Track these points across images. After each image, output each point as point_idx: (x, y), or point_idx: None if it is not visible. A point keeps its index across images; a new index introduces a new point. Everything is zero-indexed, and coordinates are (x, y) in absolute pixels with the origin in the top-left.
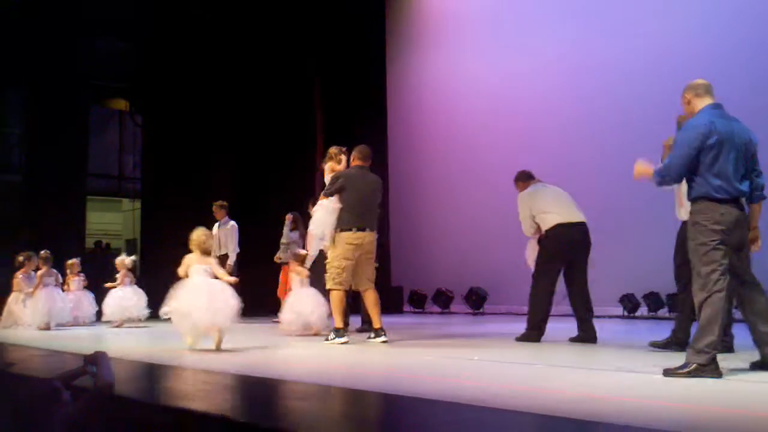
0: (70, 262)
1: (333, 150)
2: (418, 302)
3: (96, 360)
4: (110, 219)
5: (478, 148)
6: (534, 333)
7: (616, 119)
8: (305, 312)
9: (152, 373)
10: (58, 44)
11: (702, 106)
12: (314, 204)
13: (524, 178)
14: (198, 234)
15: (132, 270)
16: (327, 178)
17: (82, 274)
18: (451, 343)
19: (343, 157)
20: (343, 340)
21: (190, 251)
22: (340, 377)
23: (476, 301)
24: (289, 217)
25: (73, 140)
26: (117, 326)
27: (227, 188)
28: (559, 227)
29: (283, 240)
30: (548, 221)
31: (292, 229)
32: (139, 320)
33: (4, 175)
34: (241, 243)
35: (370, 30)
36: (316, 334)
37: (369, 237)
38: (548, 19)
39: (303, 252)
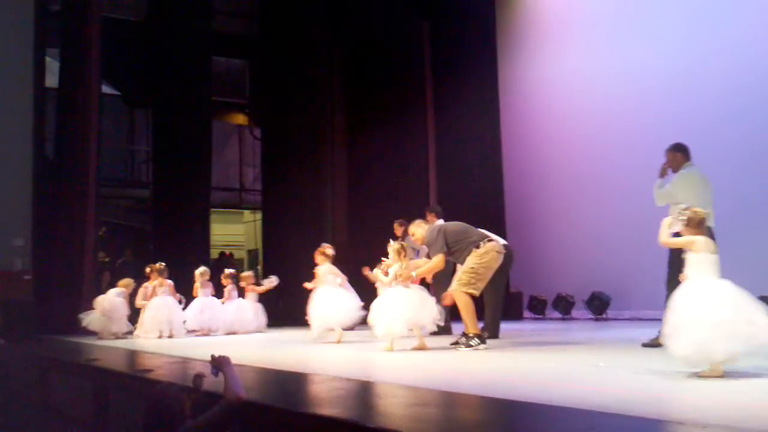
0: (200, 270)
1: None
2: (537, 308)
3: (220, 365)
4: (232, 230)
5: (598, 147)
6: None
7: (735, 115)
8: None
9: (284, 379)
10: (180, 65)
11: None
12: (431, 213)
13: (686, 152)
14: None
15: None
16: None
17: (209, 283)
18: (575, 349)
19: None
20: (484, 345)
21: (314, 260)
22: (462, 384)
23: (599, 306)
24: (395, 225)
25: (196, 155)
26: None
27: (344, 197)
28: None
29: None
30: None
31: (399, 236)
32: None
33: (134, 190)
34: (360, 250)
35: (480, 30)
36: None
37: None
38: (661, 15)
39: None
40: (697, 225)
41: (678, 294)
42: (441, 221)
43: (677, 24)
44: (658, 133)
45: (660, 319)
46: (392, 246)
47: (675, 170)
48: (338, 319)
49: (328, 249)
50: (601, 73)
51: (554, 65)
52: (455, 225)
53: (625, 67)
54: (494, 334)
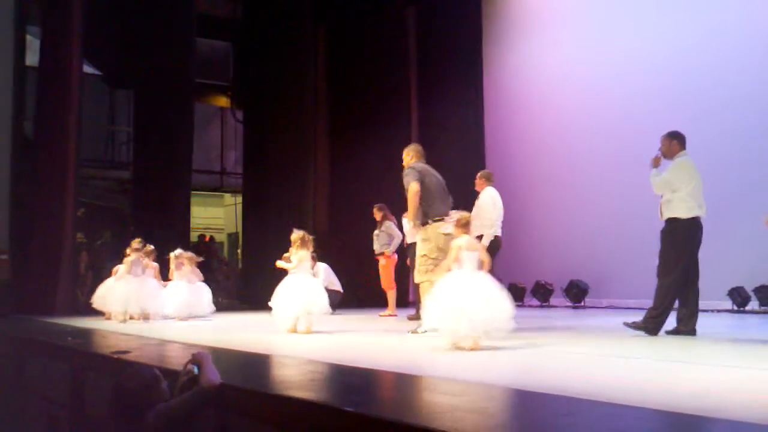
0: (188, 254)
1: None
2: (516, 295)
3: (199, 360)
4: (213, 213)
5: (577, 138)
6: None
7: (722, 106)
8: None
9: (260, 363)
10: (162, 46)
11: None
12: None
13: (682, 140)
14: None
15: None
16: None
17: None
18: (553, 336)
19: None
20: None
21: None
22: (439, 369)
23: (577, 294)
24: (374, 209)
25: (178, 137)
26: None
27: (326, 181)
28: (698, 221)
29: (376, 231)
30: (685, 208)
31: (378, 220)
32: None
33: (114, 171)
34: (342, 234)
35: (466, 19)
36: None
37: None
38: (649, 9)
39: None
40: (464, 226)
41: (441, 283)
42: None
43: (662, 11)
44: (639, 123)
45: (638, 308)
46: (295, 234)
47: (669, 158)
48: (305, 306)
49: (308, 236)
50: (584, 62)
51: (539, 53)
52: (435, 181)
53: (609, 56)
54: None
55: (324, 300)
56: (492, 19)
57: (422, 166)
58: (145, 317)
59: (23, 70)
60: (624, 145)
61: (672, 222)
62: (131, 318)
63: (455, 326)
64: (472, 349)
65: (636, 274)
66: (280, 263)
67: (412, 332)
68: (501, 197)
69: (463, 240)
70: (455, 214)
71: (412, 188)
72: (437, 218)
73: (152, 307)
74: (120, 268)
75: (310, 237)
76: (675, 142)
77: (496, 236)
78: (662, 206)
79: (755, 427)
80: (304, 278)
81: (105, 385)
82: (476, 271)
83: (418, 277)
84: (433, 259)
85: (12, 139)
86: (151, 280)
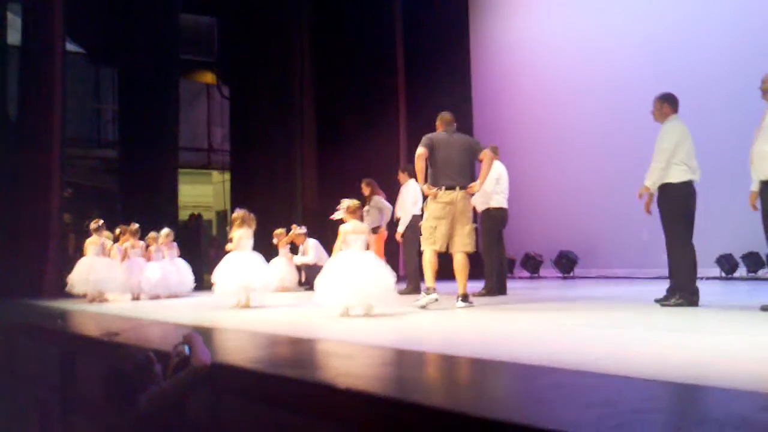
0: (165, 232)
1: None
2: (506, 267)
3: (190, 340)
4: (201, 191)
5: (565, 111)
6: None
7: (708, 78)
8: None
9: (248, 341)
10: (146, 22)
11: None
12: (404, 173)
13: (674, 103)
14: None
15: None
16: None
17: (174, 244)
18: (542, 307)
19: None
20: (432, 298)
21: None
22: (426, 343)
23: (566, 265)
24: (362, 184)
25: (164, 115)
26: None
27: (314, 157)
28: (691, 185)
29: (366, 207)
30: (679, 172)
31: (366, 196)
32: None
33: (100, 150)
34: (331, 210)
35: None
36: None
37: (460, 195)
38: None
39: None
40: (353, 212)
41: (331, 262)
42: (413, 180)
43: None
44: (628, 95)
45: (627, 277)
46: (235, 213)
47: (660, 121)
48: (243, 283)
49: (249, 215)
50: (573, 35)
51: (527, 26)
52: (447, 152)
53: (598, 27)
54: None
55: (265, 276)
56: None
57: (439, 135)
58: (102, 298)
59: (5, 49)
60: (612, 117)
61: (666, 188)
62: (101, 299)
63: (345, 298)
64: (365, 315)
65: (625, 245)
66: (228, 246)
67: (421, 307)
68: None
69: (350, 225)
70: (345, 201)
71: (417, 152)
72: (441, 186)
73: (110, 287)
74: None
75: (251, 216)
76: (666, 104)
77: (502, 209)
78: (652, 172)
79: (746, 394)
80: (243, 255)
81: (96, 368)
82: (362, 251)
83: (421, 244)
84: (428, 227)
85: None
86: (105, 260)
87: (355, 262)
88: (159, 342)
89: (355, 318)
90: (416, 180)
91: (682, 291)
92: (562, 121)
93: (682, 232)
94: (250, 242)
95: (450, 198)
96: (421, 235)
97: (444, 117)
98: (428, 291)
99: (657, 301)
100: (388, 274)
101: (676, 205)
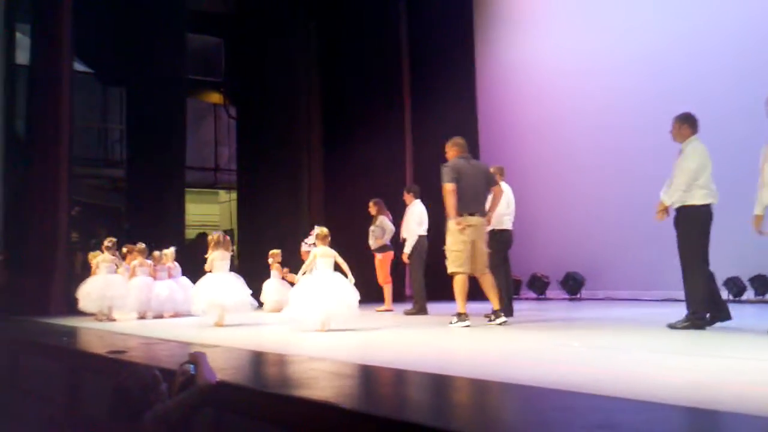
0: (170, 251)
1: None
2: (512, 288)
3: (196, 360)
4: (208, 210)
5: (571, 131)
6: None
7: (712, 97)
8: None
9: (259, 360)
10: (154, 42)
11: None
12: (409, 193)
13: (694, 124)
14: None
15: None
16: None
17: (176, 263)
18: (549, 328)
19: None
20: (465, 324)
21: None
22: (432, 364)
23: (573, 286)
24: (370, 204)
25: (171, 134)
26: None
27: (320, 176)
28: (710, 208)
29: (371, 227)
30: (702, 195)
31: (373, 216)
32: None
33: (107, 169)
34: (337, 230)
35: (458, 12)
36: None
37: (480, 221)
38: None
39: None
40: (323, 238)
41: (301, 283)
42: (419, 201)
43: (656, 3)
44: (634, 115)
45: (634, 299)
46: (210, 236)
47: (679, 141)
48: (217, 301)
49: (223, 237)
50: (578, 54)
51: (531, 45)
52: (469, 181)
53: (603, 47)
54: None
55: (237, 295)
56: (483, 12)
57: (460, 163)
58: (110, 317)
59: (14, 69)
60: (618, 137)
61: (687, 209)
62: (102, 318)
63: (312, 314)
64: (323, 330)
65: (632, 266)
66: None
67: (451, 324)
68: None
69: (319, 250)
70: (316, 229)
71: (446, 188)
72: (460, 213)
73: (122, 305)
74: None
75: (226, 238)
76: (686, 125)
77: (507, 230)
78: (674, 191)
79: (750, 418)
80: (216, 276)
81: (101, 386)
82: (330, 273)
83: (449, 269)
84: (453, 251)
85: (4, 139)
86: (119, 277)
87: (323, 282)
88: (165, 360)
89: (348, 336)
90: (450, 215)
91: (695, 313)
92: (568, 140)
93: (701, 254)
94: (225, 263)
95: (474, 222)
96: (446, 259)
97: (459, 142)
98: (462, 317)
99: (670, 325)
100: (352, 294)
101: (697, 227)
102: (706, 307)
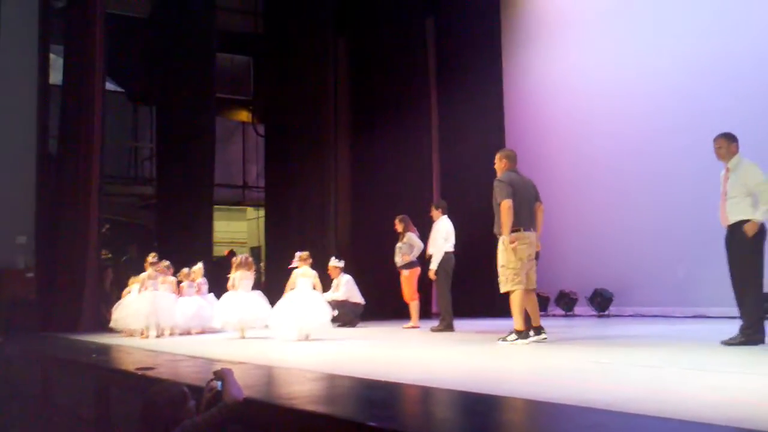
0: (198, 267)
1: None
2: (540, 305)
3: (223, 377)
4: (236, 228)
5: (601, 145)
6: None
7: (748, 115)
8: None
9: (285, 377)
10: (184, 61)
11: None
12: (437, 209)
13: (738, 141)
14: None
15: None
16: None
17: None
18: (578, 346)
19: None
20: (527, 341)
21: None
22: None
23: (601, 303)
24: (396, 221)
25: (200, 152)
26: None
27: (347, 193)
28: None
29: (398, 244)
30: (763, 211)
31: (400, 232)
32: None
33: (137, 187)
34: (364, 247)
35: (485, 29)
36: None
37: (534, 237)
38: (667, 12)
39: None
40: (305, 260)
41: (282, 300)
42: (445, 217)
43: (683, 20)
44: (663, 133)
45: (663, 316)
46: (234, 258)
47: (727, 160)
48: (239, 318)
49: (245, 259)
50: (606, 70)
51: (559, 62)
52: (522, 195)
53: (630, 64)
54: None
55: (260, 312)
56: (511, 28)
57: (513, 177)
58: (160, 332)
59: (47, 89)
60: (649, 155)
61: (751, 225)
62: (149, 335)
63: (289, 328)
64: (299, 340)
65: (661, 283)
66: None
67: (502, 339)
68: None
69: (300, 270)
70: (298, 253)
71: (505, 205)
72: (516, 229)
73: (167, 321)
74: (133, 285)
75: (249, 259)
76: (735, 143)
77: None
78: (732, 207)
79: None
80: (239, 294)
81: (131, 402)
82: (308, 291)
83: (501, 287)
84: (511, 269)
85: (36, 157)
86: (165, 294)
87: (301, 300)
88: (193, 377)
89: (375, 353)
90: (505, 232)
91: (749, 329)
92: (596, 154)
93: (760, 270)
94: (248, 282)
95: (531, 237)
96: (501, 277)
97: (510, 155)
98: (522, 334)
99: (724, 342)
100: (326, 310)
101: (760, 243)
102: (763, 321)
